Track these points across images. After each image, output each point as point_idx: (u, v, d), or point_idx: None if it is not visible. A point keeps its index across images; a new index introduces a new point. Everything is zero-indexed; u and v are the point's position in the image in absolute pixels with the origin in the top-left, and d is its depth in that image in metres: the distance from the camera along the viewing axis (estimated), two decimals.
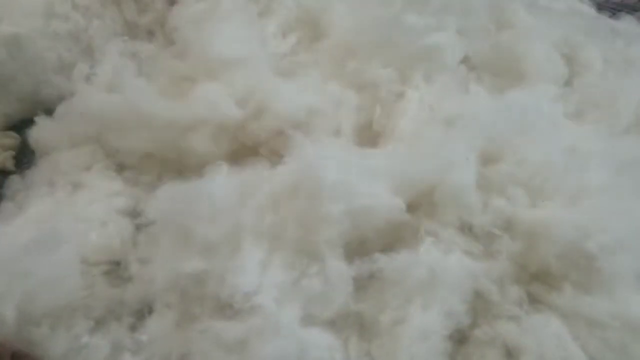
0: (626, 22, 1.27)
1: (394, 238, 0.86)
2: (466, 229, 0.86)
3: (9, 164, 1.12)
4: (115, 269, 0.92)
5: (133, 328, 0.85)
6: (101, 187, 1.00)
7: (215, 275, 0.81)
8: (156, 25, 1.22)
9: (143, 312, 0.87)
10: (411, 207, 0.86)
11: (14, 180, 1.06)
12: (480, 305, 0.81)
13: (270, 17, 1.09)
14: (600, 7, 1.27)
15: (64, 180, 1.01)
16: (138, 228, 0.96)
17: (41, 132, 1.10)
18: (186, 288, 0.83)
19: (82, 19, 1.18)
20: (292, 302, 0.78)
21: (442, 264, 0.80)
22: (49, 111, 1.12)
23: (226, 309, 0.79)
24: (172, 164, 0.99)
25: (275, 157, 0.94)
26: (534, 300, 0.82)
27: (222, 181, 0.88)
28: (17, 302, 0.81)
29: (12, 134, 1.16)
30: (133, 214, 0.98)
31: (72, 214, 0.95)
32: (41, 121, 1.10)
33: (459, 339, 0.81)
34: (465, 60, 1.11)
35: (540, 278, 0.84)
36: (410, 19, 1.06)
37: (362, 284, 0.83)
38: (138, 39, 1.22)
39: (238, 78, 0.99)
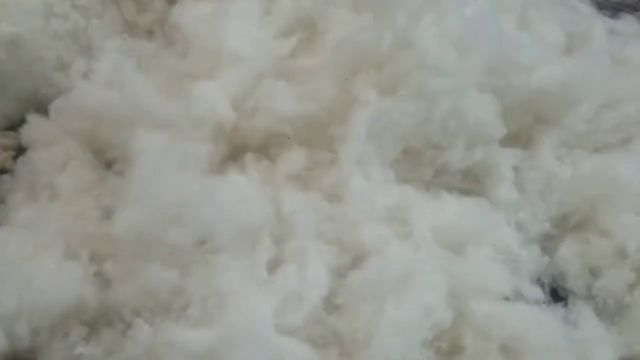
0: (626, 22, 1.27)
1: None
2: None
3: (9, 164, 1.12)
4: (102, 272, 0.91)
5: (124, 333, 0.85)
6: (83, 187, 1.00)
7: None
8: (155, 25, 1.22)
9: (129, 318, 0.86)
10: None
11: (5, 180, 1.06)
12: None
13: (271, 17, 1.08)
14: (600, 7, 1.26)
15: (47, 178, 1.02)
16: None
17: (33, 129, 1.10)
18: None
19: (81, 18, 1.18)
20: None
21: None
22: (48, 111, 1.11)
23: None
24: None
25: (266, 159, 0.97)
26: None
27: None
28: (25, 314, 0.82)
29: (12, 133, 1.16)
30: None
31: (55, 214, 0.95)
32: (34, 119, 1.10)
33: None
34: None
35: None
36: None
37: None
38: (137, 38, 1.22)
39: (237, 77, 1.00)
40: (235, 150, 1.01)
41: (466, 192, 1.02)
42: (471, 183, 1.04)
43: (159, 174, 0.87)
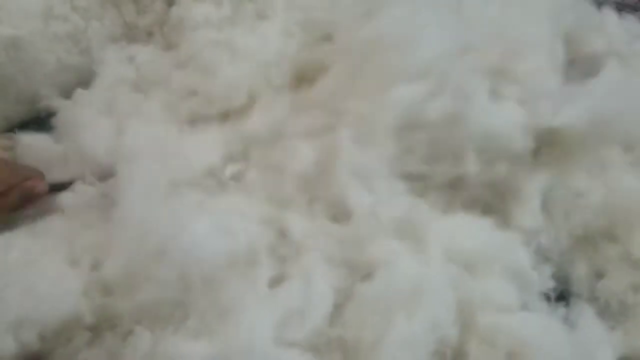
0: (626, 22, 1.27)
1: None
2: None
3: None
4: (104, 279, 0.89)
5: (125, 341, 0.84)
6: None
7: None
8: (155, 27, 1.22)
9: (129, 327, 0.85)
10: None
11: None
12: None
13: (271, 20, 1.09)
14: (600, 7, 1.26)
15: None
16: None
17: None
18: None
19: (81, 20, 1.17)
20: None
21: None
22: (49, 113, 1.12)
23: None
24: None
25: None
26: None
27: None
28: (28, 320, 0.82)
29: (12, 135, 1.15)
30: None
31: (57, 220, 0.95)
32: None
33: None
34: None
35: None
36: None
37: None
38: (137, 40, 1.22)
39: None
40: None
41: (483, 210, 0.95)
42: (489, 200, 0.96)
43: (148, 205, 0.87)
